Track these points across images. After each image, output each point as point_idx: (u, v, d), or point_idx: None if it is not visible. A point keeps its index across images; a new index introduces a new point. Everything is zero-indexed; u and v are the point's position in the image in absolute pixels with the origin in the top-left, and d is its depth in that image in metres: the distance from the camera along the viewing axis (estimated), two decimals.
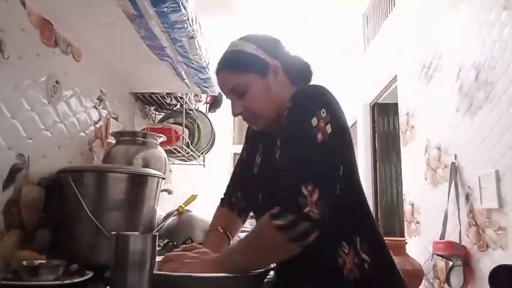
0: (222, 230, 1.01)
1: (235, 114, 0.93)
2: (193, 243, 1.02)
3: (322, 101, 0.81)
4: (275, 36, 0.98)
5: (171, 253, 0.88)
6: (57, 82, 1.18)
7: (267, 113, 0.90)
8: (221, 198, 1.13)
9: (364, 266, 0.80)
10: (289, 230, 0.70)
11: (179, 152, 1.97)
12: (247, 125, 1.08)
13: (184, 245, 0.98)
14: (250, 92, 0.89)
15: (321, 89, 0.84)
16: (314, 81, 0.97)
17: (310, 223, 0.70)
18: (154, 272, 0.69)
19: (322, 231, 0.72)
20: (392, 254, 0.89)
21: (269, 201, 0.83)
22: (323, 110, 0.78)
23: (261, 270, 0.80)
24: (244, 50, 0.90)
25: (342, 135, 0.80)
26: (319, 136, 0.75)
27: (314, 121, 0.76)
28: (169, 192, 1.53)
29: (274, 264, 0.89)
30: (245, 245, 0.79)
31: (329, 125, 0.76)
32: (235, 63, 0.91)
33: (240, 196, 1.08)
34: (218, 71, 0.94)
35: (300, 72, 0.95)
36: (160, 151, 1.47)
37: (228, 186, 1.13)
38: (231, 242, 1.02)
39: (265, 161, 0.95)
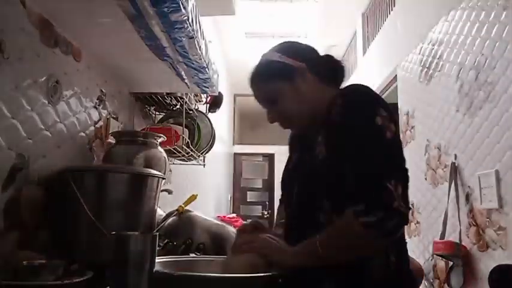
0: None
1: (271, 122, 0.96)
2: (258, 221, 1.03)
3: (379, 100, 0.82)
4: (302, 40, 1.00)
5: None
6: (57, 82, 1.18)
7: (301, 115, 0.92)
8: (279, 199, 1.15)
9: (390, 267, 0.80)
10: (379, 227, 0.71)
11: (179, 152, 1.97)
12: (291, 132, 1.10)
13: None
14: (281, 98, 0.92)
15: (370, 90, 0.85)
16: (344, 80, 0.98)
17: (399, 218, 0.71)
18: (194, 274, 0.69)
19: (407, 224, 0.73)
20: None
21: (304, 195, 0.87)
22: (382, 109, 0.79)
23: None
24: (269, 59, 0.95)
25: (399, 132, 0.82)
26: (388, 134, 0.77)
27: (379, 120, 0.77)
28: (170, 192, 1.53)
29: None
30: (329, 241, 0.78)
31: (391, 124, 0.78)
32: (261, 74, 0.95)
33: None
34: (250, 85, 0.98)
35: (331, 70, 0.96)
36: (161, 151, 1.47)
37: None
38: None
39: (301, 156, 0.97)
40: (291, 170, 0.99)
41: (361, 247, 0.76)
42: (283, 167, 1.11)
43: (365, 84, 0.88)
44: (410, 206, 0.72)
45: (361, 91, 0.85)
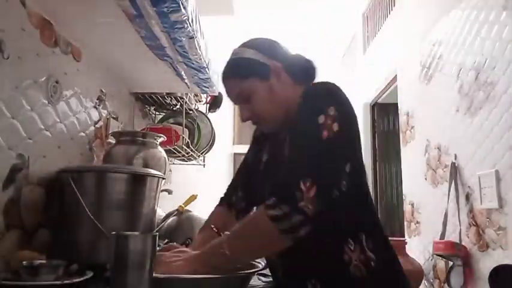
0: (215, 229, 1.01)
1: (244, 120, 0.95)
2: (172, 243, 1.02)
3: (330, 98, 0.81)
4: (272, 37, 0.98)
5: None
6: (57, 82, 1.18)
7: (274, 114, 0.92)
8: (221, 197, 1.13)
9: (371, 263, 0.80)
10: (282, 221, 0.72)
11: (179, 152, 1.97)
12: (255, 126, 1.08)
13: (164, 246, 0.97)
14: (254, 96, 0.91)
15: (331, 87, 0.84)
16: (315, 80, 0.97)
17: (303, 217, 0.72)
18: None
19: (313, 227, 0.73)
20: None
21: None
22: (331, 107, 0.78)
23: (248, 270, 0.80)
24: (244, 56, 0.93)
25: (349, 133, 0.81)
26: (325, 133, 0.76)
27: (321, 118, 0.77)
28: (169, 192, 1.53)
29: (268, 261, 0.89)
30: (234, 236, 0.79)
31: (336, 123, 0.77)
32: (236, 70, 0.93)
33: (240, 196, 1.08)
34: (222, 80, 0.96)
35: (303, 70, 0.95)
36: (160, 151, 1.47)
37: (229, 186, 1.14)
38: None
39: (272, 159, 0.96)
40: (262, 171, 0.99)
41: (266, 241, 0.77)
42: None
43: (326, 82, 0.87)
44: (320, 208, 0.72)
45: (317, 88, 0.85)
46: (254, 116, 0.94)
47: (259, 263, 0.91)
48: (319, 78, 0.96)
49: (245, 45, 0.96)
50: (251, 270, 0.83)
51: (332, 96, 0.82)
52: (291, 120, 0.85)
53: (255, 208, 0.96)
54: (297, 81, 0.93)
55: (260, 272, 0.90)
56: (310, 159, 0.76)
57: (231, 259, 0.78)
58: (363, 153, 0.90)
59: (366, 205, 0.89)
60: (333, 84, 0.85)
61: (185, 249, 0.89)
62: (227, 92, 0.96)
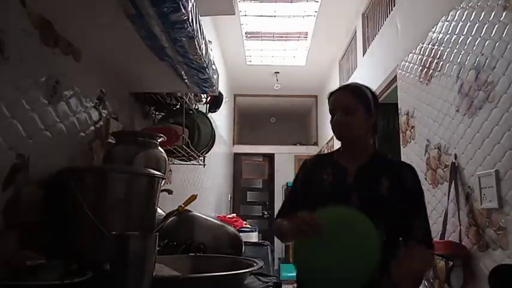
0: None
1: (338, 122, 1.26)
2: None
3: None
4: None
5: None
6: (57, 82, 1.18)
7: (357, 134, 1.27)
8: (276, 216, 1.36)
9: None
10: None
11: (179, 152, 1.97)
12: (302, 162, 1.42)
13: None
14: (356, 114, 1.25)
15: None
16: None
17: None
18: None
19: None
20: None
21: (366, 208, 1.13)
22: None
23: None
24: (366, 90, 1.31)
25: None
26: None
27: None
28: (170, 192, 1.53)
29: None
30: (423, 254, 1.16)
31: None
32: (358, 92, 1.29)
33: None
34: (343, 89, 1.32)
35: (374, 129, 1.33)
36: (161, 151, 1.47)
37: (282, 208, 1.37)
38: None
39: (338, 178, 1.27)
40: (328, 192, 1.26)
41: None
42: (304, 177, 1.35)
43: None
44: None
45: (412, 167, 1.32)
46: (347, 124, 1.25)
47: (254, 262, 0.92)
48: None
49: (368, 88, 1.33)
50: (247, 270, 0.83)
51: None
52: (400, 178, 1.25)
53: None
54: (370, 132, 1.33)
55: (258, 272, 0.90)
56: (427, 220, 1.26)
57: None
58: None
59: None
60: None
61: None
62: (340, 97, 1.28)
